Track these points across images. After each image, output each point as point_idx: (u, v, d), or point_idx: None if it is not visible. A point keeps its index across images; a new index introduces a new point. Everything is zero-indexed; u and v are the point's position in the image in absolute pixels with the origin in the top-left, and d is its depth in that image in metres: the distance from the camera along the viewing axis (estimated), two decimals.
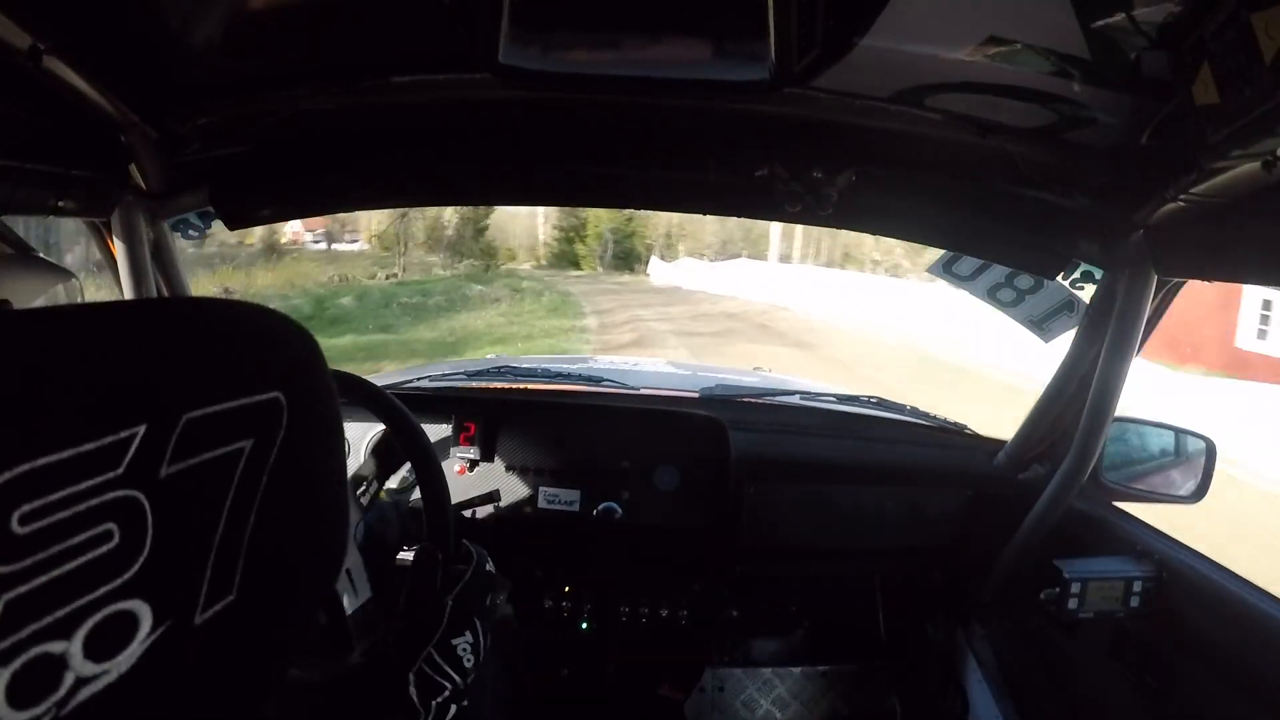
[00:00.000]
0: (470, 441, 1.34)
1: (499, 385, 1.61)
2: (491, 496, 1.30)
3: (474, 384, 1.63)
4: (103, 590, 0.24)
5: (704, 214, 1.18)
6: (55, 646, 0.23)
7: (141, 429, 0.24)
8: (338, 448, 0.35)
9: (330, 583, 0.38)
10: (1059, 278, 1.17)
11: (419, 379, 1.62)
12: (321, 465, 0.34)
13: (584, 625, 1.49)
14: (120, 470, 0.24)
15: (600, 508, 1.28)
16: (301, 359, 0.33)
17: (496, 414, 1.37)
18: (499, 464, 1.35)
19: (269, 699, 0.34)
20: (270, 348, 0.32)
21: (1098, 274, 1.17)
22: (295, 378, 0.32)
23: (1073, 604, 1.09)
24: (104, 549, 0.24)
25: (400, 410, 1.04)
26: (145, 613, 0.25)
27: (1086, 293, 1.22)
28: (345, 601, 0.97)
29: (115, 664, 0.25)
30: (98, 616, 0.24)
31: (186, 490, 0.26)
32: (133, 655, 0.25)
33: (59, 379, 0.23)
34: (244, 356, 0.30)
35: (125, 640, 0.25)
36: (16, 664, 0.22)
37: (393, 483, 1.29)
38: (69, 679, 0.23)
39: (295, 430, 0.31)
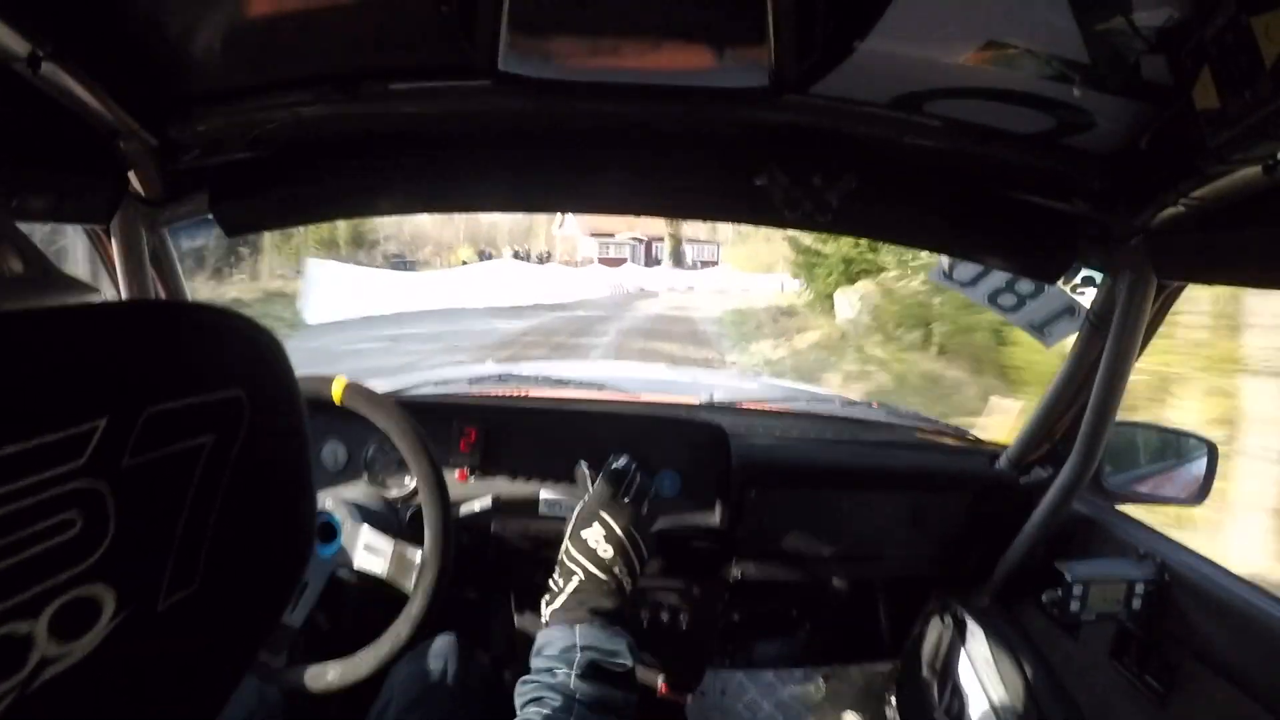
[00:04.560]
0: (470, 448, 1.34)
1: (500, 391, 1.60)
2: (492, 503, 1.30)
3: (475, 390, 1.63)
4: (66, 575, 0.25)
5: (703, 220, 1.18)
6: (21, 627, 0.24)
7: (103, 422, 0.25)
8: (301, 445, 0.37)
9: (296, 578, 0.39)
10: (1059, 282, 1.18)
11: (420, 385, 1.62)
12: (284, 462, 0.35)
13: None
14: (82, 461, 0.25)
15: None
16: (263, 358, 0.34)
17: (497, 420, 1.37)
18: (500, 470, 1.35)
19: (234, 687, 0.35)
20: (232, 347, 0.33)
21: (1098, 278, 1.17)
22: (256, 376, 0.33)
23: (1075, 606, 1.09)
24: (67, 535, 0.25)
25: (403, 416, 1.04)
26: (108, 597, 0.26)
27: (1087, 297, 1.22)
28: (377, 570, 1.01)
29: (79, 645, 0.26)
30: (62, 599, 0.25)
31: (148, 482, 0.27)
32: (96, 638, 0.26)
33: (23, 374, 0.24)
34: (206, 355, 0.31)
35: (89, 623, 0.26)
36: None
37: (395, 491, 1.29)
38: (34, 658, 0.24)
39: (257, 427, 0.32)
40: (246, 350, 0.33)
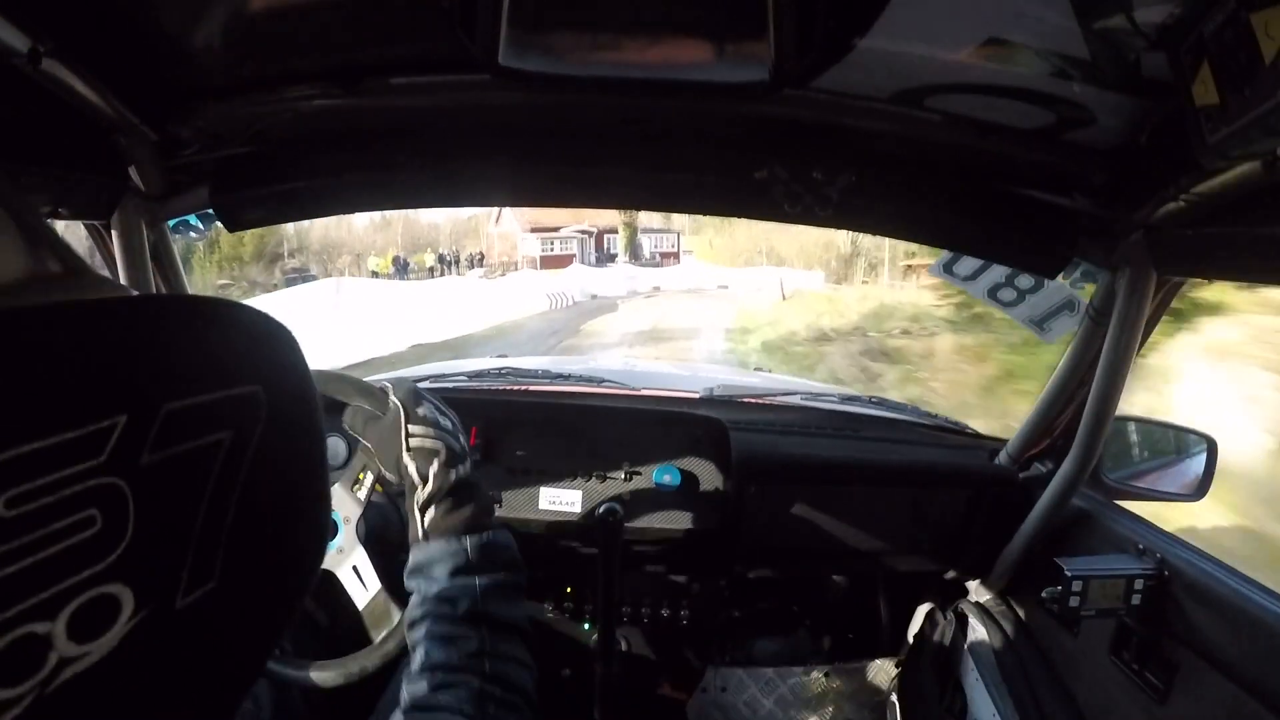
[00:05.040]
0: (471, 445, 1.35)
1: (501, 387, 1.61)
2: (492, 499, 1.30)
3: (476, 385, 1.63)
4: (85, 574, 0.25)
5: (704, 215, 1.18)
6: (40, 627, 0.23)
7: (123, 419, 0.25)
8: (316, 440, 0.36)
9: (312, 574, 0.39)
10: (1059, 277, 1.18)
11: (419, 380, 1.62)
12: (301, 458, 0.35)
13: (585, 626, 1.49)
14: (102, 458, 0.25)
15: (601, 509, 1.28)
16: (281, 354, 0.34)
17: (498, 416, 1.37)
18: (500, 466, 1.35)
19: (250, 685, 0.35)
20: (250, 343, 0.32)
21: (1098, 274, 1.17)
22: (274, 372, 0.33)
23: (1074, 602, 1.09)
24: (87, 534, 0.24)
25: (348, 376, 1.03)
26: (127, 596, 0.26)
27: (1087, 292, 1.23)
28: (357, 599, 0.98)
29: (98, 645, 0.25)
30: (81, 599, 0.24)
31: (167, 478, 0.27)
32: (115, 638, 0.26)
33: (43, 370, 0.24)
34: (224, 351, 0.31)
35: (108, 623, 0.26)
36: (2, 643, 0.22)
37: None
38: (52, 659, 0.24)
39: (274, 423, 0.32)
40: (264, 344, 0.33)
